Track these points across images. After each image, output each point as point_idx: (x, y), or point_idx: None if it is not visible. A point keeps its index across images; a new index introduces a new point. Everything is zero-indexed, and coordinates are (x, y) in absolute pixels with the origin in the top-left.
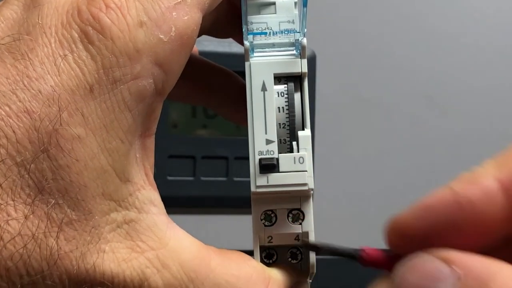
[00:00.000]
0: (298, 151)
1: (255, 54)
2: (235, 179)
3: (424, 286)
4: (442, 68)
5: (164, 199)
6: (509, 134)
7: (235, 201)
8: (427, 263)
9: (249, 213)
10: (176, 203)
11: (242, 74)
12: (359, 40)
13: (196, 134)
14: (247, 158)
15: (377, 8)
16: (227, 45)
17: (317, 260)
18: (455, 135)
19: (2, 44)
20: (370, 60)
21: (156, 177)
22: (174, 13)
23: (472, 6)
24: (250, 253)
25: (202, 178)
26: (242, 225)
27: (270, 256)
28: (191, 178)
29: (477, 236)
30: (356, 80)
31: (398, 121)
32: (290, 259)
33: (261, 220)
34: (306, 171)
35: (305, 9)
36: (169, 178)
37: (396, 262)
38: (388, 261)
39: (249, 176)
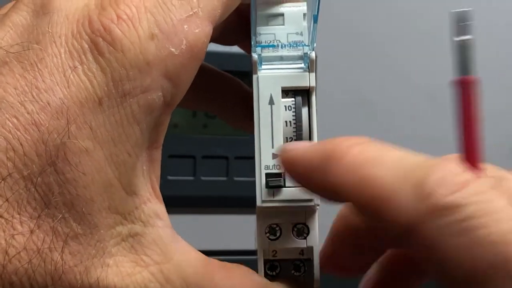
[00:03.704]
0: None
1: (263, 67)
2: (235, 179)
3: None
4: (443, 67)
5: (164, 199)
6: (508, 132)
7: (235, 201)
8: None
9: (249, 213)
10: (176, 203)
11: (243, 74)
12: (359, 40)
13: (196, 134)
14: (248, 158)
15: (378, 8)
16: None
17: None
18: (455, 133)
19: (11, 53)
20: (371, 60)
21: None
22: (185, 26)
23: (472, 6)
24: (250, 253)
25: (202, 178)
26: (242, 225)
27: (273, 268)
28: (191, 178)
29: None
30: (356, 80)
31: (399, 121)
32: (293, 271)
33: (266, 233)
34: None
35: (315, 25)
36: (169, 178)
37: None
38: None
39: (249, 176)
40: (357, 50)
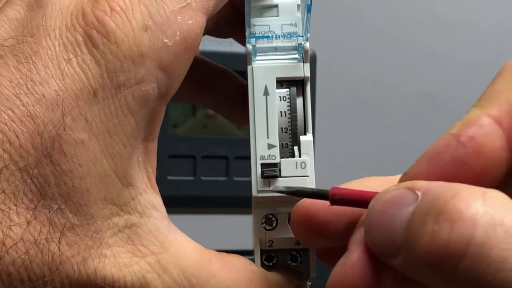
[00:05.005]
0: (300, 156)
1: (257, 58)
2: (235, 179)
3: (387, 211)
4: (441, 67)
5: (164, 199)
6: None
7: (235, 201)
8: (392, 192)
9: (249, 213)
10: (176, 203)
11: (243, 74)
12: (359, 40)
13: (196, 134)
14: (247, 158)
15: (377, 8)
16: (228, 45)
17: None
18: None
19: (6, 46)
20: (370, 60)
21: (156, 177)
22: (179, 17)
23: (471, 6)
24: (250, 253)
25: (202, 178)
26: (242, 225)
27: (270, 258)
28: (191, 178)
29: (484, 171)
30: (356, 80)
31: (398, 120)
32: (290, 262)
33: (262, 224)
34: (308, 176)
35: (309, 15)
36: (169, 178)
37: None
38: (361, 199)
39: (249, 176)
40: (356, 50)
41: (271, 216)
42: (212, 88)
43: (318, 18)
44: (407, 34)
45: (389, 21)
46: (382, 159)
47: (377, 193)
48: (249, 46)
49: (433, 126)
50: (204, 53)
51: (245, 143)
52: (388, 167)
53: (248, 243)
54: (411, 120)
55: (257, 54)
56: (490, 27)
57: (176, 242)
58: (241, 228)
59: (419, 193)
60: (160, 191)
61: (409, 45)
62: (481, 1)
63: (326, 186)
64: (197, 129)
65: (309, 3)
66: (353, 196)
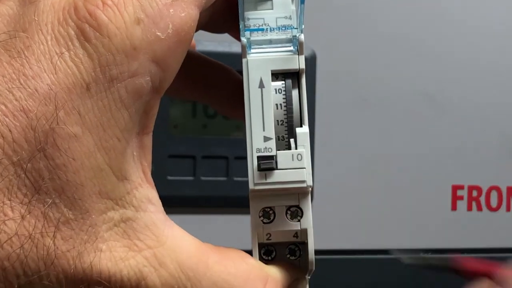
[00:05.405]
0: (296, 148)
1: (252, 51)
2: (235, 179)
3: None
4: (441, 67)
5: (164, 199)
6: (508, 132)
7: (235, 201)
8: None
9: (249, 213)
10: (176, 203)
11: (242, 74)
12: (359, 39)
13: (196, 134)
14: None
15: (377, 7)
16: (227, 45)
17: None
18: (455, 133)
19: None
20: (370, 59)
21: (156, 177)
22: (171, 10)
23: (473, 6)
24: (251, 253)
25: (202, 178)
26: (242, 225)
27: (269, 252)
28: (191, 178)
29: None
30: (356, 80)
31: (398, 120)
32: (288, 256)
33: (260, 217)
34: (304, 168)
35: (302, 5)
36: (169, 178)
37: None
38: (484, 269)
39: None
40: (356, 50)
41: (268, 209)
42: (209, 83)
43: (318, 18)
44: (407, 34)
45: (389, 21)
46: (382, 158)
47: (498, 265)
48: (243, 39)
49: (433, 126)
50: (203, 53)
51: (245, 143)
52: (388, 166)
53: (248, 243)
54: (411, 120)
55: (252, 47)
56: (491, 28)
57: (173, 236)
58: (241, 228)
59: None
60: (160, 191)
61: (410, 45)
62: (483, 2)
63: (326, 186)
64: (197, 129)
65: None
66: (478, 268)
